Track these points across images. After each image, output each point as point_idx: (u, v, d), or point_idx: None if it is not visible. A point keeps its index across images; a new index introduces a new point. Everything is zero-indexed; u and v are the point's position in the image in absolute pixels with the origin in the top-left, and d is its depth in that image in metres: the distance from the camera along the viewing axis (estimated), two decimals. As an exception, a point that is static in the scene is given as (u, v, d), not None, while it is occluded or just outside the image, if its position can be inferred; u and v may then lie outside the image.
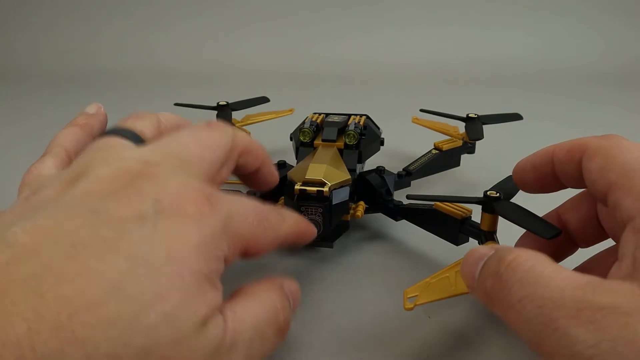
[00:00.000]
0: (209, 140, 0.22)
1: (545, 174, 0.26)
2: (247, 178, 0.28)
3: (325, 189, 0.31)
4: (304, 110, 0.46)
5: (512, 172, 0.28)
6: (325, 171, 0.32)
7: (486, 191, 0.30)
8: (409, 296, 0.25)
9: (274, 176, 0.28)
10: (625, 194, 0.20)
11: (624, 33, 0.96)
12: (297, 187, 0.31)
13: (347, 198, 0.32)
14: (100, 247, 0.16)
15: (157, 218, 0.18)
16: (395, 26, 0.99)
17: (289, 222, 0.25)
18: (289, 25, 1.00)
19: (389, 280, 0.33)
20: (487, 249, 0.21)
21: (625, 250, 0.19)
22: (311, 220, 0.31)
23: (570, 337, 0.16)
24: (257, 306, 0.21)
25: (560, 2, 0.99)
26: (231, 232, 0.20)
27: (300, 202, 0.31)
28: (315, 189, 0.31)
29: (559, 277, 0.18)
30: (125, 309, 0.15)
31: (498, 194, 0.30)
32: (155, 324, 0.16)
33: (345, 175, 0.32)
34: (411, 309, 0.25)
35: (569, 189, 0.26)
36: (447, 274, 0.27)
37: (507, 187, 0.31)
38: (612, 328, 0.16)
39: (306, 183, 0.31)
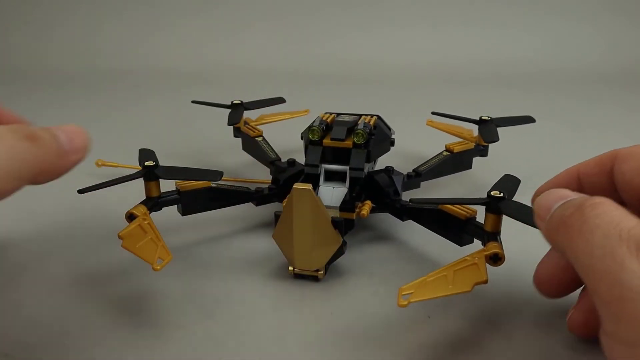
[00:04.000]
0: None
1: None
2: None
3: (321, 272, 0.32)
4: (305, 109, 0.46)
5: (534, 196, 0.28)
6: (312, 257, 0.31)
7: (490, 191, 0.30)
8: (403, 293, 0.25)
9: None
10: None
11: (624, 33, 0.96)
12: (290, 269, 0.32)
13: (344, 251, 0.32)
14: None
15: None
16: (395, 26, 0.99)
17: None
18: (289, 26, 1.00)
19: (390, 281, 0.33)
20: (570, 192, 0.24)
21: None
22: None
23: (624, 266, 0.19)
24: None
25: (560, 2, 0.99)
26: None
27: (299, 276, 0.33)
28: (310, 273, 0.32)
29: (630, 219, 0.20)
30: None
31: (502, 194, 0.29)
32: None
33: (334, 241, 0.31)
34: (405, 305, 0.25)
35: None
36: (445, 273, 0.27)
37: (507, 185, 0.31)
38: None
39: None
